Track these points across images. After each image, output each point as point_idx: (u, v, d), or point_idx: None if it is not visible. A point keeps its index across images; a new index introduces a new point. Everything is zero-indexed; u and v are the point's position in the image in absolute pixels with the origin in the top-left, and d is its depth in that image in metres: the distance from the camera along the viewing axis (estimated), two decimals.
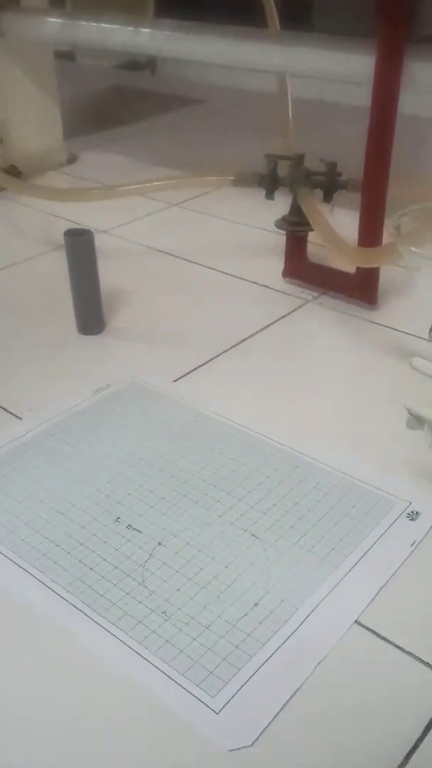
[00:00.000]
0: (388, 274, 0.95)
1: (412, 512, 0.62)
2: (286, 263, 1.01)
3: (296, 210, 0.94)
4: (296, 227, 0.95)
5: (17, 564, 0.57)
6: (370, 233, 0.87)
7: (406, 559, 0.58)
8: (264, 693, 0.48)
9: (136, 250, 1.13)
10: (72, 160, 1.51)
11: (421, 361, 0.58)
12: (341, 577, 0.56)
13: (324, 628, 0.52)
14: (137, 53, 2.09)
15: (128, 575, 0.56)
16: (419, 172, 1.02)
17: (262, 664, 0.49)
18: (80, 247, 0.86)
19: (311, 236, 0.98)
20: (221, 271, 1.05)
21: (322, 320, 0.93)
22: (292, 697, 0.48)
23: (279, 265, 1.02)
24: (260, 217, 1.14)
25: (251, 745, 0.45)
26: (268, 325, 0.92)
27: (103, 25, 1.15)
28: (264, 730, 0.46)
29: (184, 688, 0.48)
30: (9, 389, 0.79)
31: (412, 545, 0.59)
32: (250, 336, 0.90)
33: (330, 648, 0.51)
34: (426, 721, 0.47)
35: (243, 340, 0.89)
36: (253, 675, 0.49)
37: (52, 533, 0.60)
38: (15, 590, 0.55)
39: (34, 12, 1.30)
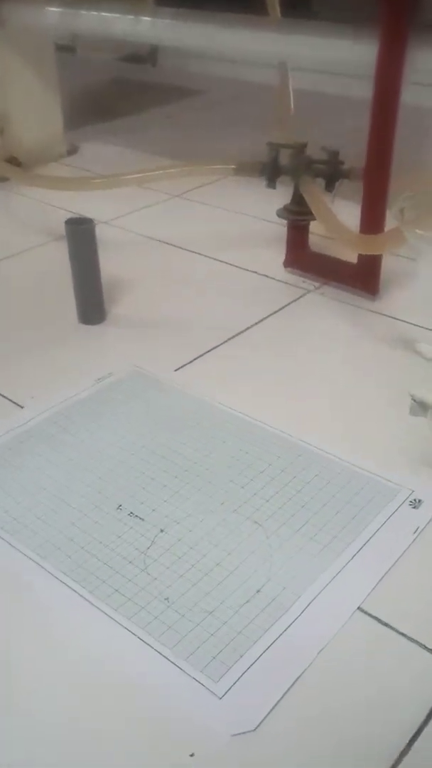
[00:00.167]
0: (389, 263, 0.95)
1: (415, 500, 0.62)
2: (287, 253, 1.01)
3: (298, 199, 0.93)
4: (298, 216, 0.95)
5: (19, 550, 0.57)
6: (373, 222, 0.87)
7: (408, 547, 0.57)
8: (267, 678, 0.48)
9: (137, 241, 1.12)
10: (72, 151, 1.51)
11: (427, 346, 0.58)
12: (344, 565, 0.56)
13: (326, 615, 0.52)
14: (138, 45, 2.09)
15: (130, 562, 0.56)
16: (422, 164, 1.01)
17: (265, 650, 0.49)
18: (81, 236, 0.85)
19: (313, 226, 0.98)
20: (222, 261, 1.05)
21: (324, 310, 0.93)
22: (295, 682, 0.48)
23: (280, 255, 1.02)
24: (261, 208, 1.14)
25: (254, 729, 0.45)
26: (269, 315, 0.92)
27: (104, 13, 1.15)
28: (267, 715, 0.46)
29: (186, 673, 0.48)
30: (10, 378, 0.79)
31: (414, 532, 0.58)
32: (252, 326, 0.89)
33: (333, 635, 0.51)
34: (429, 708, 0.47)
35: (244, 330, 0.88)
36: (255, 661, 0.49)
37: (54, 520, 0.60)
38: (16, 576, 0.55)
39: (34, 1, 1.29)
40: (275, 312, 0.92)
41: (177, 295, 0.97)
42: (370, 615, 0.52)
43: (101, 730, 0.46)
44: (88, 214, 0.89)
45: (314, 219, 0.92)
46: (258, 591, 0.54)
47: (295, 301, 0.95)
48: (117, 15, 1.13)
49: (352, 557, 0.56)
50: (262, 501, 0.62)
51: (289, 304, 0.94)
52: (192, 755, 0.44)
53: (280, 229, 1.02)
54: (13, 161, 1.35)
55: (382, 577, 0.55)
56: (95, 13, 1.15)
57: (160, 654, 0.49)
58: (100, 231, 0.87)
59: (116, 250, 1.07)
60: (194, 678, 0.48)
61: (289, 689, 0.47)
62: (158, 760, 0.44)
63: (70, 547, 0.57)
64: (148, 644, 0.50)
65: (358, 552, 0.57)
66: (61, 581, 0.55)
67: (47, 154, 1.43)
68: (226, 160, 0.97)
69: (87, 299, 0.89)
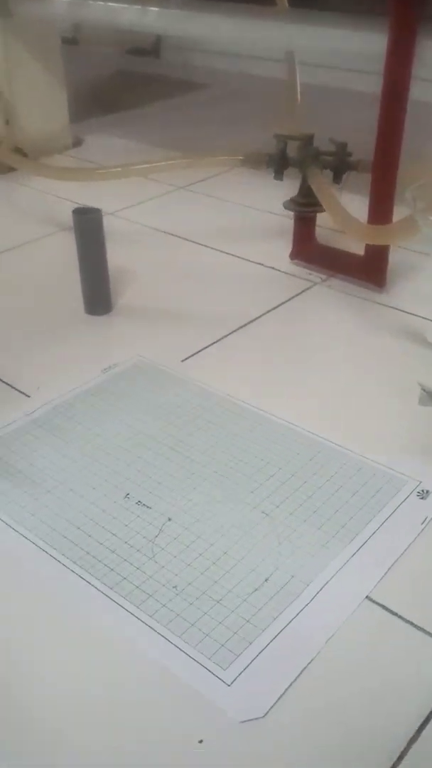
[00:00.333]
0: (396, 256, 0.95)
1: (423, 491, 0.61)
2: (293, 245, 1.00)
3: (305, 190, 0.93)
4: (305, 208, 0.95)
5: (27, 538, 0.57)
6: (381, 214, 0.87)
7: (417, 537, 0.57)
8: (275, 666, 0.48)
9: (143, 232, 1.12)
10: (77, 143, 1.51)
11: None
12: (352, 554, 0.56)
13: (335, 604, 0.52)
14: (142, 37, 2.08)
15: (138, 550, 0.56)
16: (430, 155, 1.01)
17: (273, 638, 0.49)
18: (88, 225, 0.85)
19: (319, 218, 0.97)
20: (228, 253, 1.05)
21: (331, 302, 0.92)
22: (303, 671, 0.48)
23: (286, 247, 1.01)
24: (267, 200, 1.13)
25: (263, 716, 0.45)
26: (275, 307, 0.91)
27: (111, 4, 1.14)
28: (275, 702, 0.46)
29: (195, 660, 0.48)
30: (18, 368, 0.79)
31: (423, 523, 0.58)
32: (258, 317, 0.89)
33: (341, 623, 0.51)
34: None
35: (250, 322, 0.88)
36: (264, 649, 0.49)
37: (62, 509, 0.60)
38: (26, 564, 0.55)
39: None
40: (281, 304, 0.92)
41: (183, 286, 0.96)
42: (378, 604, 0.52)
43: (109, 716, 0.46)
44: (94, 205, 0.89)
45: (321, 211, 0.92)
46: (266, 580, 0.54)
47: (301, 293, 0.95)
48: (124, 5, 1.13)
49: (360, 547, 0.56)
50: (270, 491, 0.62)
51: (295, 296, 0.94)
52: (201, 741, 0.44)
53: (286, 221, 1.02)
54: (19, 152, 1.34)
55: (391, 566, 0.55)
56: (102, 3, 1.15)
57: (169, 641, 0.49)
58: (106, 222, 0.87)
59: (122, 242, 1.06)
60: (203, 665, 0.48)
61: (297, 677, 0.47)
62: (167, 746, 0.44)
63: (78, 536, 0.57)
64: (156, 631, 0.50)
65: (366, 542, 0.57)
66: (69, 569, 0.55)
67: (52, 145, 1.43)
68: (234, 152, 0.97)
69: (93, 290, 0.89)
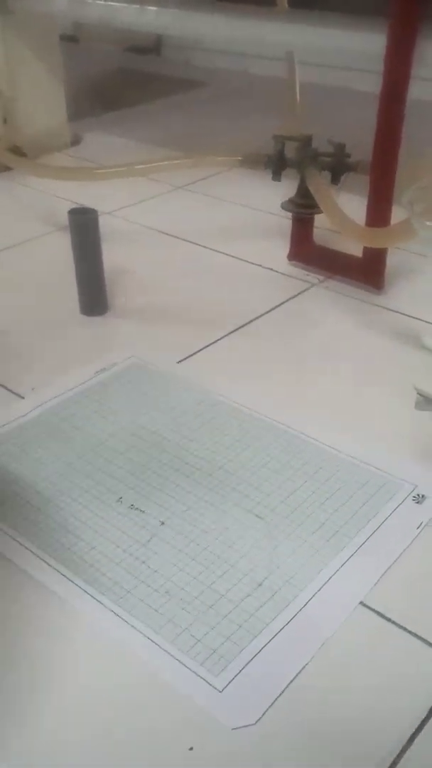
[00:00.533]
0: (394, 258, 0.94)
1: (418, 495, 0.61)
2: (291, 246, 1.00)
3: (303, 191, 0.93)
4: (303, 209, 0.94)
5: (18, 541, 0.57)
6: (379, 216, 0.86)
7: (412, 542, 0.57)
8: (268, 672, 0.47)
9: (140, 232, 1.11)
10: (76, 141, 1.50)
11: None
12: (346, 559, 0.55)
13: (329, 609, 0.52)
14: (142, 35, 2.07)
15: (131, 554, 0.56)
16: (429, 156, 1.00)
17: (266, 644, 0.49)
18: (84, 226, 0.85)
19: (317, 219, 0.97)
20: (226, 254, 1.04)
21: (328, 304, 0.92)
22: (296, 677, 0.47)
23: (284, 248, 1.01)
24: (266, 200, 1.13)
25: (255, 723, 0.45)
26: (272, 309, 0.91)
27: (110, 3, 1.14)
28: (267, 709, 0.46)
29: (187, 666, 0.48)
30: (12, 369, 0.79)
31: (418, 528, 0.58)
32: (254, 319, 0.89)
33: (335, 629, 0.50)
34: (431, 704, 0.46)
35: (247, 323, 0.88)
36: (256, 654, 0.48)
37: (54, 512, 0.60)
38: (15, 567, 0.55)
39: None
40: (278, 305, 0.92)
41: (180, 287, 0.96)
42: (372, 609, 0.52)
43: (99, 721, 0.45)
44: (92, 205, 0.88)
45: (319, 212, 0.92)
46: (259, 584, 0.53)
47: (298, 294, 0.94)
48: (123, 4, 1.12)
49: (355, 552, 0.56)
50: (265, 494, 0.61)
51: (292, 297, 0.93)
52: (191, 749, 0.43)
53: (284, 221, 1.01)
54: (17, 151, 1.34)
55: (385, 572, 0.55)
56: (102, 2, 1.14)
57: (160, 647, 0.49)
58: (103, 222, 0.86)
59: (120, 242, 1.06)
60: (194, 671, 0.47)
61: (289, 683, 0.47)
62: (157, 753, 0.44)
63: (70, 539, 0.57)
64: (147, 637, 0.49)
65: (361, 546, 0.56)
66: (60, 573, 0.54)
67: (51, 144, 1.43)
68: (232, 152, 0.97)
69: (89, 290, 0.88)
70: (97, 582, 0.53)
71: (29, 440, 0.68)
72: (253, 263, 1.01)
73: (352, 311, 0.90)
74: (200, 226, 1.12)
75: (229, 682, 0.47)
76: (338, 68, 1.38)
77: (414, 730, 0.45)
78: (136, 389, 0.75)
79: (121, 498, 0.61)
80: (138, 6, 1.10)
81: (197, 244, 1.07)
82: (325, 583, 0.53)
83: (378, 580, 0.54)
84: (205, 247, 1.06)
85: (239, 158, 0.94)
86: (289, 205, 0.95)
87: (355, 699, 0.47)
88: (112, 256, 0.90)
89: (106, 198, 1.17)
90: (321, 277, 0.97)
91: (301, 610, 0.51)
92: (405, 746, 0.45)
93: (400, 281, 0.95)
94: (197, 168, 1.08)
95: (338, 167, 0.91)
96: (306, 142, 0.92)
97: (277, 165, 0.93)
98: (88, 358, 0.80)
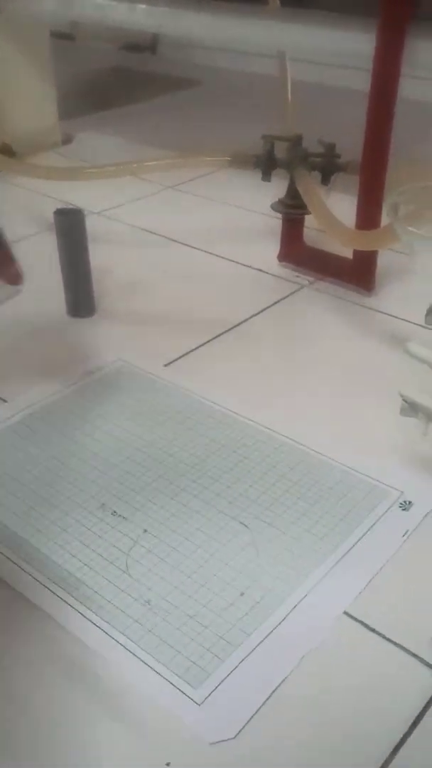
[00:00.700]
0: (385, 259, 0.93)
1: (405, 502, 0.60)
2: (281, 247, 0.99)
3: (293, 192, 0.92)
4: (293, 210, 0.93)
5: None
6: (369, 217, 0.85)
7: (397, 550, 0.56)
8: (248, 685, 0.46)
9: (128, 233, 1.10)
10: (67, 140, 1.49)
11: (417, 347, 0.57)
12: (330, 568, 0.54)
13: (311, 619, 0.51)
14: (138, 33, 2.06)
15: (111, 563, 0.55)
16: (420, 158, 0.99)
17: (247, 656, 0.48)
18: (70, 227, 0.84)
19: (308, 220, 0.96)
20: (215, 255, 1.03)
21: (318, 306, 0.91)
22: (276, 689, 0.47)
23: (274, 249, 1.00)
24: (256, 201, 1.12)
25: (234, 738, 0.44)
26: (262, 311, 0.90)
27: (100, 1, 1.13)
28: (247, 722, 0.45)
29: (165, 678, 0.47)
30: None
31: (404, 535, 0.57)
32: (244, 321, 0.88)
33: (317, 640, 0.49)
34: (414, 715, 0.46)
35: (236, 326, 0.87)
36: (237, 666, 0.47)
37: (35, 518, 0.59)
38: None
39: None
40: (268, 307, 0.91)
41: (169, 288, 0.95)
42: (356, 620, 0.51)
43: (74, 734, 0.44)
44: (80, 204, 0.88)
45: (309, 213, 0.91)
46: (242, 594, 0.52)
47: (289, 296, 0.93)
48: (114, 2, 1.11)
49: (340, 560, 0.55)
50: (249, 501, 0.60)
51: (282, 299, 0.93)
52: (168, 764, 0.43)
53: (275, 222, 1.00)
54: (7, 149, 1.33)
55: (370, 581, 0.54)
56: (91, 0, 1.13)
57: (139, 658, 0.48)
58: (92, 222, 0.85)
59: (108, 242, 1.05)
60: (173, 684, 0.46)
61: (270, 696, 0.46)
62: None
63: (49, 547, 0.56)
64: (126, 648, 0.48)
65: (345, 555, 0.56)
66: (38, 581, 0.53)
67: (41, 143, 1.41)
68: (221, 152, 0.96)
69: (76, 292, 0.87)
70: (75, 591, 0.52)
71: (11, 445, 0.67)
72: (242, 264, 1.00)
73: (341, 314, 0.89)
74: (190, 227, 1.11)
75: (209, 695, 0.46)
76: (334, 66, 1.37)
77: (398, 742, 0.44)
78: (122, 393, 0.74)
79: (103, 504, 0.60)
80: (128, 4, 1.08)
81: (186, 245, 1.06)
82: (309, 592, 0.53)
83: (362, 590, 0.53)
84: (194, 248, 1.05)
85: (227, 158, 0.93)
86: (278, 205, 0.94)
87: (336, 712, 0.46)
88: (100, 256, 0.89)
89: (96, 198, 1.16)
90: (311, 279, 0.96)
91: (283, 620, 0.51)
92: (388, 758, 0.44)
93: (391, 282, 0.94)
94: (186, 168, 1.07)
95: (328, 167, 0.90)
96: (296, 141, 0.91)
97: (266, 165, 0.92)
98: (74, 361, 0.79)
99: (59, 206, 0.86)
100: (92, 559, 0.55)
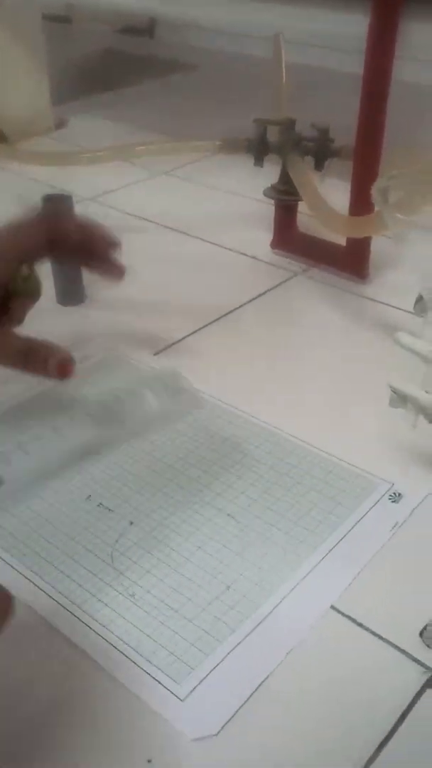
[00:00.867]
0: (380, 246, 0.92)
1: (395, 494, 0.59)
2: (274, 234, 0.97)
3: (285, 178, 0.90)
4: (285, 196, 0.92)
5: None
6: (362, 203, 0.84)
7: (386, 543, 0.55)
8: (232, 680, 0.46)
9: (120, 218, 1.09)
10: (60, 125, 1.47)
11: (406, 336, 0.55)
12: (318, 561, 0.54)
13: (298, 613, 0.50)
14: (135, 16, 2.03)
15: (96, 555, 0.54)
16: (415, 143, 0.98)
17: (232, 650, 0.47)
18: (58, 212, 0.82)
19: (301, 206, 0.94)
20: (207, 241, 1.02)
21: (311, 294, 0.90)
22: (261, 685, 0.46)
23: (267, 235, 0.99)
24: (249, 186, 1.10)
25: (217, 734, 0.43)
26: (254, 298, 0.89)
27: None
28: (230, 718, 0.44)
29: (148, 673, 0.46)
30: None
31: (393, 528, 0.56)
32: (235, 309, 0.87)
33: (304, 634, 0.49)
34: (401, 710, 0.45)
35: (227, 314, 0.86)
36: (221, 661, 0.47)
37: (19, 510, 0.58)
38: None
39: None
40: (260, 295, 0.89)
41: (160, 275, 0.94)
42: (343, 614, 0.51)
43: (54, 730, 0.44)
44: (71, 190, 0.86)
45: (302, 199, 0.89)
46: (228, 587, 0.52)
47: (281, 283, 0.92)
48: None
49: (328, 553, 0.54)
50: (237, 493, 0.60)
51: (275, 287, 0.91)
52: (150, 761, 0.42)
53: (268, 208, 0.99)
54: None
55: (358, 574, 0.53)
56: None
57: (121, 652, 0.47)
58: (83, 208, 0.84)
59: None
60: (156, 679, 0.46)
61: (255, 691, 0.46)
62: (113, 765, 0.42)
63: (33, 539, 0.55)
64: (109, 642, 0.48)
65: (333, 548, 0.55)
66: (22, 574, 0.52)
67: (34, 127, 1.39)
68: (212, 137, 0.94)
69: (65, 279, 0.86)
70: (59, 584, 0.52)
71: None
72: (235, 251, 0.99)
73: (335, 301, 0.88)
74: (182, 213, 1.09)
75: (192, 691, 0.45)
76: (333, 49, 1.35)
77: (384, 737, 0.44)
78: (110, 383, 0.73)
79: (89, 496, 0.59)
80: None
81: (178, 231, 1.04)
82: (296, 585, 0.52)
83: (350, 583, 0.52)
84: (186, 234, 1.04)
85: (218, 143, 0.92)
86: (271, 191, 0.93)
87: (322, 707, 0.45)
88: None
89: (86, 183, 1.14)
90: (304, 266, 0.95)
91: (269, 614, 0.50)
92: (374, 754, 0.43)
93: (385, 269, 0.93)
94: (176, 153, 1.06)
95: (321, 152, 0.89)
96: (288, 125, 0.90)
97: (258, 150, 0.90)
98: None
99: (52, 191, 0.84)
100: (77, 551, 0.54)
